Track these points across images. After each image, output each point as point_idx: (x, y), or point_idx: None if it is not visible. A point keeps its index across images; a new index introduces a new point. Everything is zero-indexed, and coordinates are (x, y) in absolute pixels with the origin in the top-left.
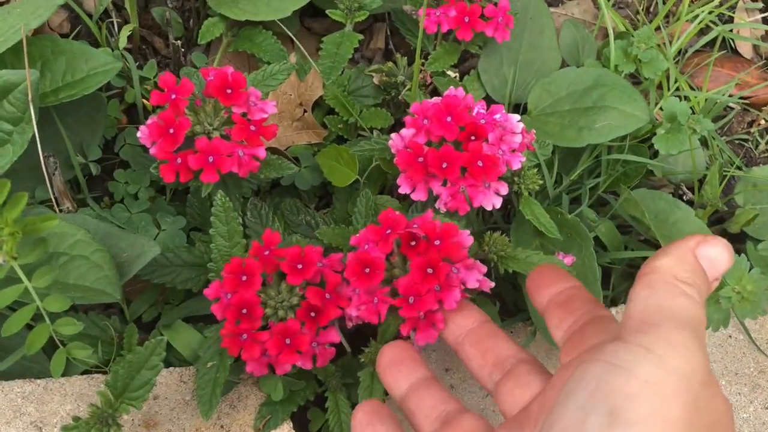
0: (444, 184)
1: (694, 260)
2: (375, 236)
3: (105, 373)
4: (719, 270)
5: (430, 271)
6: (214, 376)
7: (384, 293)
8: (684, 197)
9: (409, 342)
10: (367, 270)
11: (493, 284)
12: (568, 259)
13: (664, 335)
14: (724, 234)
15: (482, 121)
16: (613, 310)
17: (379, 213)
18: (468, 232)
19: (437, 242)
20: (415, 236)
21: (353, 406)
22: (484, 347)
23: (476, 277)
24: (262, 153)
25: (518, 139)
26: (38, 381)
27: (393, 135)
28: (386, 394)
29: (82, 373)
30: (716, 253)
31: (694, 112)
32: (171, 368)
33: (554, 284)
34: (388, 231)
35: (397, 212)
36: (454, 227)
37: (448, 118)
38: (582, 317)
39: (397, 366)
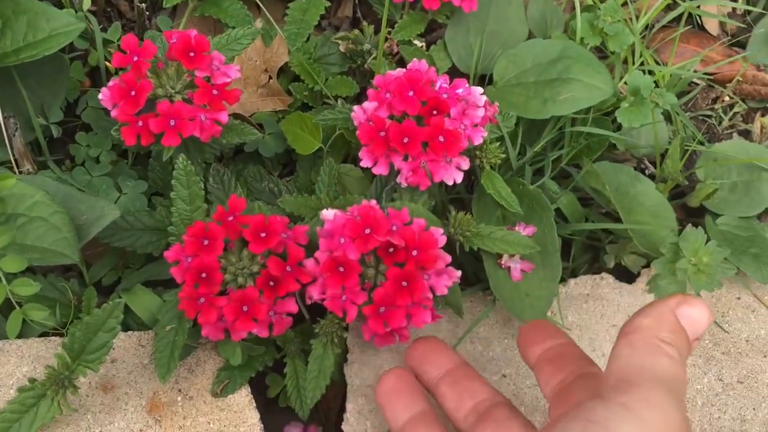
0: (405, 158)
1: (674, 320)
2: (352, 233)
3: (63, 335)
4: (699, 330)
5: (404, 284)
6: (173, 339)
7: (353, 290)
8: (646, 171)
9: (408, 371)
10: (341, 269)
11: (457, 280)
12: (529, 230)
13: (643, 394)
14: (684, 208)
15: (445, 96)
16: (572, 281)
17: (343, 181)
18: (441, 231)
19: (415, 252)
20: (394, 245)
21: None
22: (460, 389)
23: (445, 284)
24: (224, 117)
25: (481, 113)
26: None
27: (355, 107)
28: (338, 364)
29: (40, 336)
30: (696, 314)
31: (658, 87)
32: (129, 332)
33: (545, 340)
34: (368, 230)
35: (378, 210)
36: (434, 239)
37: (411, 93)
38: (571, 374)
39: (396, 396)
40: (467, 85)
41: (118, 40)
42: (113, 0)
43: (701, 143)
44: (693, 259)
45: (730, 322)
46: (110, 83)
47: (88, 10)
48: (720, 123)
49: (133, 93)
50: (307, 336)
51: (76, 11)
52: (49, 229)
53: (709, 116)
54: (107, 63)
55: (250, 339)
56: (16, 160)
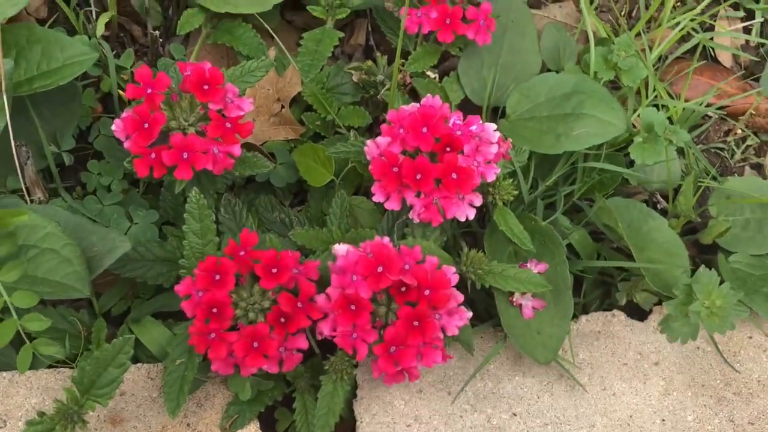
0: (418, 195)
1: None
2: (365, 270)
3: (72, 367)
4: None
5: (416, 323)
6: (182, 373)
7: (364, 329)
8: (658, 206)
9: None
10: (353, 307)
11: (467, 322)
12: (541, 267)
13: None
14: (697, 244)
15: (458, 132)
16: (584, 318)
17: (355, 213)
18: (453, 270)
19: (427, 292)
20: (407, 284)
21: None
22: None
23: (457, 324)
24: (237, 150)
25: (494, 150)
26: (4, 373)
27: (368, 142)
28: (348, 400)
29: (49, 367)
30: None
31: (671, 121)
32: (139, 364)
33: None
34: (380, 269)
35: (391, 248)
36: (446, 279)
37: (424, 129)
38: None
39: None
40: (481, 121)
41: (131, 67)
42: (126, 26)
43: (714, 178)
44: (706, 301)
45: (741, 361)
46: (123, 114)
47: (102, 36)
48: (732, 156)
49: (146, 125)
50: (317, 371)
51: (90, 37)
52: (60, 262)
53: (722, 149)
54: (120, 90)
55: (260, 374)
56: (27, 188)
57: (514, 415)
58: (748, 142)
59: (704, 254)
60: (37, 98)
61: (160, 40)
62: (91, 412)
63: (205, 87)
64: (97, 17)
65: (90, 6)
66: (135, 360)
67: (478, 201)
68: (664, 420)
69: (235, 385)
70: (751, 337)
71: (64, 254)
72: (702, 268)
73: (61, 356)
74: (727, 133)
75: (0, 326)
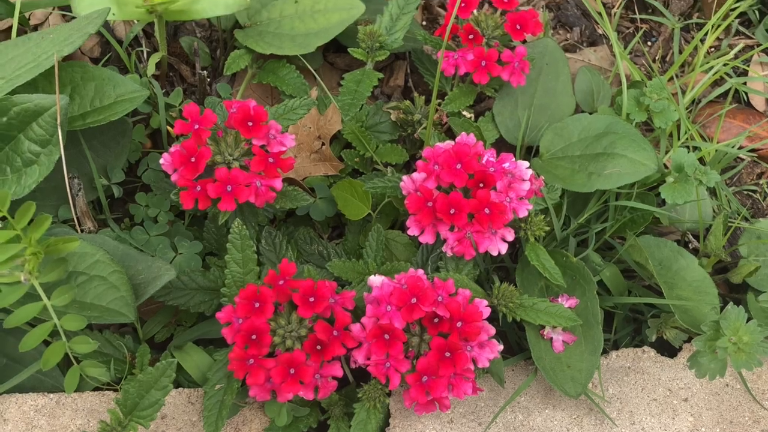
0: (451, 229)
1: None
2: (399, 301)
3: (116, 390)
4: None
5: (448, 354)
6: (222, 398)
7: (398, 358)
8: (690, 245)
9: None
10: (387, 336)
11: (499, 354)
12: (572, 301)
13: None
14: (727, 283)
15: (491, 169)
16: (614, 354)
17: (390, 247)
18: (485, 303)
19: (459, 324)
20: (439, 315)
21: None
22: None
23: (488, 357)
24: (278, 184)
25: (526, 186)
26: (51, 395)
27: (404, 177)
28: (380, 428)
29: (94, 390)
30: None
31: (704, 163)
32: (180, 389)
33: None
34: (414, 300)
35: (425, 280)
36: (479, 312)
37: (458, 165)
38: None
39: None
40: (514, 159)
41: (179, 104)
42: (176, 65)
43: (745, 219)
44: (733, 337)
45: None
46: (171, 149)
47: (152, 75)
48: (765, 198)
49: (192, 159)
50: (351, 399)
51: (141, 76)
52: (107, 288)
53: (754, 191)
54: (168, 126)
55: (296, 400)
56: (78, 218)
57: None
58: None
59: (734, 293)
60: (89, 133)
61: (208, 79)
62: None
63: (250, 123)
64: (148, 57)
65: (141, 46)
66: (176, 385)
67: (510, 236)
68: None
69: (272, 410)
70: None
71: (111, 281)
72: (730, 305)
73: (106, 379)
74: (759, 175)
75: (49, 348)
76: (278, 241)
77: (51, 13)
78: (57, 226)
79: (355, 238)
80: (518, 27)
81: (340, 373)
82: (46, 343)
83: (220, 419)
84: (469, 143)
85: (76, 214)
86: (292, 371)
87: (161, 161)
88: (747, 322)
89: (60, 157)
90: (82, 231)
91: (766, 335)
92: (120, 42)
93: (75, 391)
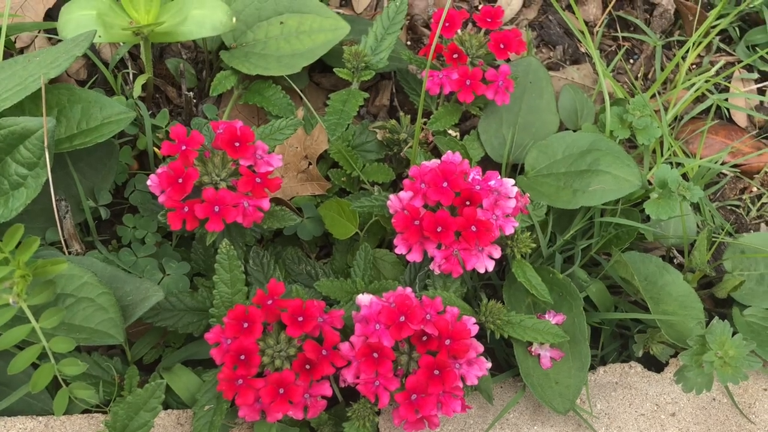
0: (439, 247)
1: None
2: (388, 320)
3: (105, 413)
4: None
5: (437, 372)
6: (211, 419)
7: (387, 377)
8: (675, 260)
9: None
10: (376, 355)
11: (486, 372)
12: (559, 318)
13: None
14: (712, 298)
15: (477, 187)
16: (601, 369)
17: (378, 265)
18: (473, 320)
19: (448, 341)
20: (428, 333)
21: None
22: None
23: (476, 374)
24: (266, 204)
25: (512, 203)
26: (40, 418)
27: (391, 196)
28: None
29: (83, 412)
30: None
31: (687, 178)
32: (169, 410)
33: None
34: (402, 318)
35: (413, 298)
36: (467, 330)
37: (445, 184)
38: None
39: None
40: (499, 177)
41: (166, 126)
42: (162, 87)
43: (729, 234)
44: (719, 352)
45: (756, 413)
46: (159, 170)
47: (138, 97)
48: (748, 213)
49: (180, 180)
50: (341, 418)
51: (127, 98)
52: (96, 310)
53: (737, 206)
54: (155, 148)
55: (285, 420)
56: (65, 240)
57: None
58: (764, 200)
59: (719, 308)
60: (76, 155)
61: (194, 100)
62: None
63: (237, 144)
64: (134, 79)
65: (127, 68)
66: (165, 406)
67: (497, 253)
68: None
69: (262, 430)
70: (766, 389)
71: (99, 302)
72: (715, 320)
73: (95, 401)
74: (742, 191)
75: (38, 371)
76: (266, 261)
77: (37, 35)
78: (44, 248)
79: (343, 257)
80: (502, 46)
81: (329, 393)
82: (35, 365)
83: None
84: (455, 161)
85: (63, 236)
86: (281, 391)
87: (148, 182)
88: (732, 336)
89: (47, 180)
90: (69, 253)
91: (752, 349)
92: (106, 64)
93: (64, 413)
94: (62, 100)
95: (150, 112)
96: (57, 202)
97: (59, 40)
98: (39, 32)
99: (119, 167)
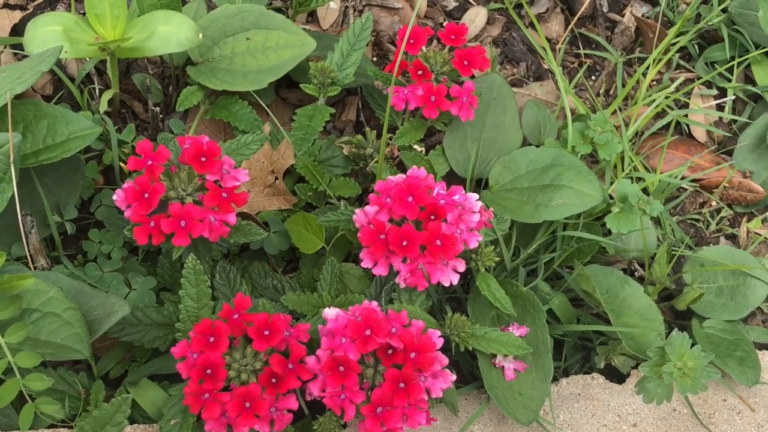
0: (404, 260)
1: None
2: (353, 333)
3: (71, 428)
4: None
5: (402, 385)
6: None
7: (353, 390)
8: (636, 273)
9: None
10: (342, 368)
11: (451, 384)
12: (522, 330)
13: None
14: (673, 310)
15: (442, 202)
16: (564, 381)
17: (344, 279)
18: (438, 333)
19: (413, 354)
20: (393, 347)
21: None
22: None
23: (441, 386)
24: (232, 219)
25: (476, 218)
26: None
27: (357, 210)
28: None
29: (48, 427)
30: None
31: (648, 193)
32: (135, 425)
33: None
34: (368, 332)
35: (379, 312)
36: (432, 343)
37: (410, 198)
38: None
39: None
40: (464, 191)
41: (132, 141)
42: (128, 102)
43: (689, 247)
44: (678, 363)
45: (716, 423)
46: (125, 185)
47: (105, 112)
48: (707, 227)
49: (146, 195)
50: None
51: (93, 113)
52: (61, 325)
53: (697, 220)
54: (121, 163)
55: None
56: (31, 255)
57: None
58: (723, 214)
59: (679, 320)
60: (42, 170)
61: (161, 115)
62: None
63: (203, 159)
64: (101, 94)
65: (94, 84)
66: (131, 421)
67: (462, 267)
68: None
69: None
70: (725, 400)
71: (65, 317)
72: (675, 332)
73: (60, 416)
74: (702, 205)
75: (3, 386)
76: (233, 276)
77: (2, 51)
78: (10, 263)
79: (310, 271)
80: (466, 63)
81: (295, 406)
82: (0, 381)
83: None
84: (420, 176)
85: (29, 251)
86: (247, 405)
87: (114, 197)
88: (691, 347)
89: (13, 195)
90: (35, 268)
91: (710, 360)
92: (72, 79)
93: (30, 429)
94: (28, 116)
95: (116, 127)
96: (22, 217)
97: (25, 56)
98: (5, 48)
99: (85, 182)
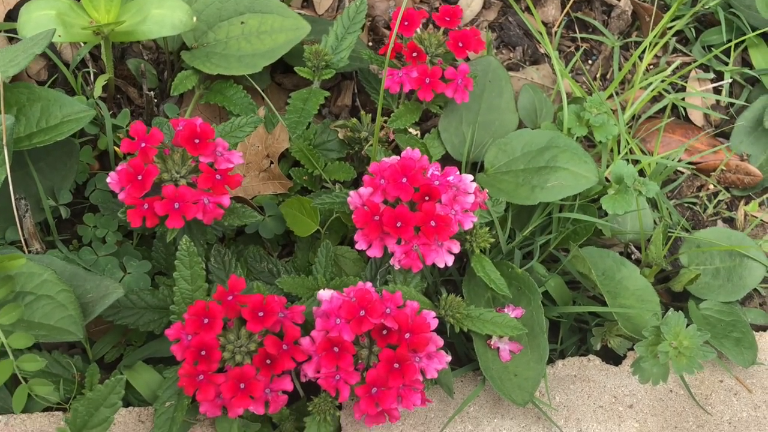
0: (399, 242)
1: None
2: (348, 314)
3: (65, 411)
4: None
5: (396, 366)
6: (172, 415)
7: (347, 371)
8: (633, 256)
9: None
10: (336, 349)
11: (446, 365)
12: (518, 312)
13: None
14: (669, 292)
15: (436, 183)
16: (560, 363)
17: (339, 262)
18: (433, 314)
19: (408, 335)
20: (388, 327)
21: None
22: None
23: (436, 367)
24: (226, 201)
25: (471, 199)
26: (0, 417)
27: (351, 192)
28: None
29: (44, 410)
30: None
31: (644, 176)
32: (130, 408)
33: None
34: (362, 312)
35: (373, 293)
36: (426, 323)
37: (404, 179)
38: None
39: None
40: (458, 172)
41: (126, 126)
42: (123, 88)
43: (686, 229)
44: (674, 342)
45: (713, 404)
46: (118, 167)
47: (99, 97)
48: (705, 211)
49: (139, 177)
50: (302, 414)
51: (88, 98)
52: (55, 307)
53: (695, 204)
54: (116, 147)
55: (247, 416)
56: (26, 239)
57: None
58: (720, 197)
59: (677, 301)
60: (36, 154)
61: (155, 100)
62: None
63: (196, 141)
64: (95, 79)
65: (88, 68)
66: (126, 404)
67: (456, 248)
68: None
69: (223, 427)
70: (722, 381)
71: (59, 300)
72: (671, 311)
73: (55, 399)
74: (699, 188)
75: None
76: (227, 260)
77: None
78: (4, 247)
79: (305, 255)
80: (461, 45)
81: (290, 387)
82: None
83: None
84: (415, 157)
85: (23, 235)
86: (242, 386)
87: (108, 180)
88: (687, 327)
89: (6, 178)
90: (29, 252)
91: (705, 340)
92: (67, 65)
93: (24, 412)
94: (21, 99)
95: (111, 113)
96: (16, 201)
97: (19, 40)
98: None
99: (80, 167)
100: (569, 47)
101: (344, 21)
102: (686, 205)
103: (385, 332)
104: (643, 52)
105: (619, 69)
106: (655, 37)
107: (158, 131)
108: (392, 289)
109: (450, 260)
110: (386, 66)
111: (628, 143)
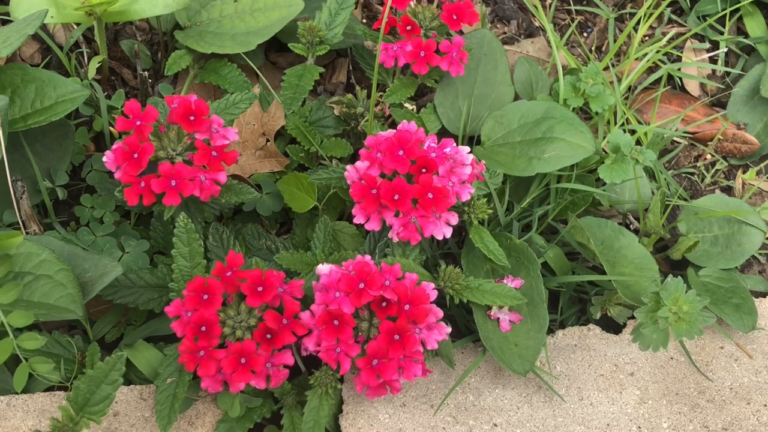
0: (396, 215)
1: None
2: (347, 287)
3: (67, 390)
4: None
5: (397, 337)
6: (173, 392)
7: (348, 343)
8: (631, 226)
9: None
10: (336, 322)
11: (446, 336)
12: (517, 282)
13: None
14: (668, 260)
15: (433, 155)
16: (560, 333)
17: (338, 238)
18: (432, 285)
19: (407, 307)
20: (387, 299)
21: None
22: None
23: (436, 338)
24: (223, 178)
25: (468, 170)
26: (1, 397)
27: (348, 167)
28: (334, 415)
29: (45, 390)
30: None
31: (641, 145)
32: (131, 386)
33: None
34: (362, 285)
35: (372, 265)
36: (426, 295)
37: (400, 152)
38: None
39: None
40: (454, 144)
41: (121, 107)
42: (117, 69)
43: (684, 199)
44: (674, 307)
45: (714, 370)
46: (114, 146)
47: (93, 79)
48: (702, 180)
49: (135, 155)
50: (304, 388)
51: (82, 80)
52: (54, 286)
53: (692, 173)
54: (111, 128)
55: (249, 391)
56: (23, 221)
57: (495, 425)
58: (717, 166)
59: (676, 269)
60: (31, 136)
61: (150, 81)
62: (86, 430)
63: (192, 118)
64: (89, 61)
65: (82, 50)
66: (128, 382)
67: (454, 219)
68: (640, 427)
69: (225, 402)
70: (722, 347)
71: (58, 279)
72: (670, 277)
73: (56, 378)
74: (697, 158)
75: None
76: (226, 237)
77: None
78: (1, 230)
79: (303, 231)
80: (455, 17)
81: (291, 361)
82: None
83: (173, 413)
84: (411, 130)
85: (20, 217)
86: (243, 361)
87: (104, 159)
88: (686, 292)
89: (2, 160)
90: (27, 233)
91: (705, 305)
92: (60, 47)
93: (25, 391)
94: (15, 80)
95: (105, 94)
96: (13, 183)
97: (11, 21)
98: None
99: (76, 148)
100: (564, 20)
101: None
102: (684, 174)
103: (384, 304)
104: (638, 23)
105: (614, 41)
106: (649, 8)
107: (153, 109)
108: (391, 261)
109: (448, 232)
110: (380, 40)
111: (625, 114)
